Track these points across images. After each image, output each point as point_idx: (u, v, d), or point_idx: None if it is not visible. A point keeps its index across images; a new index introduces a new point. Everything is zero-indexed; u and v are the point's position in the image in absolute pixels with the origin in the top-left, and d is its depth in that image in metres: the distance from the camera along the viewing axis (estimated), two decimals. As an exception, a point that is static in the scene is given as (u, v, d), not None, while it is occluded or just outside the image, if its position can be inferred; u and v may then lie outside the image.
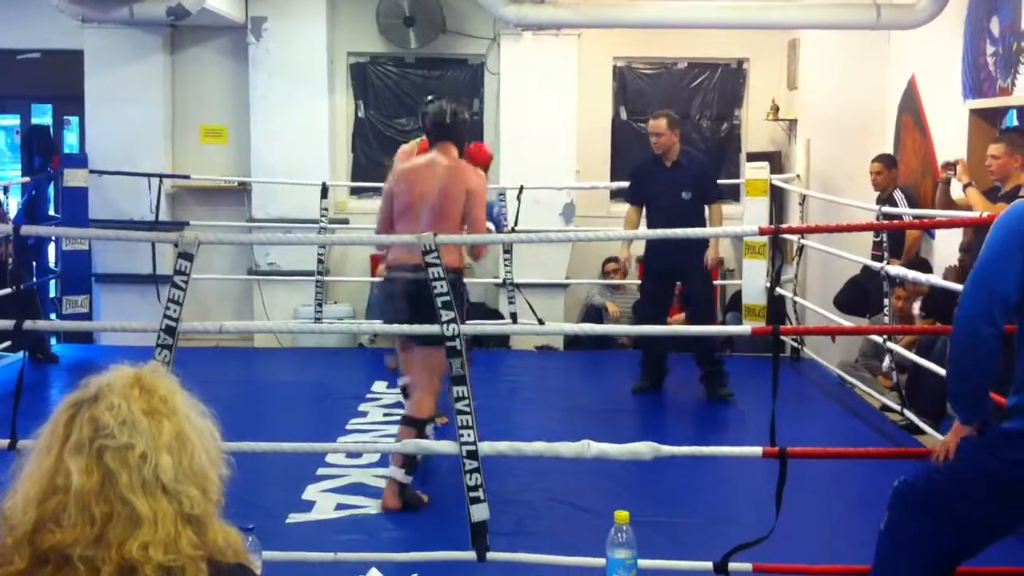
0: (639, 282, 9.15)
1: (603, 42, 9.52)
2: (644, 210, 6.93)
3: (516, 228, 7.95)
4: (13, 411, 3.74)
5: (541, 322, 7.24)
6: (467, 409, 3.70)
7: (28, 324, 4.14)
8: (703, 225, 6.62)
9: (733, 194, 9.18)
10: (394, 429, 5.94)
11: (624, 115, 9.94)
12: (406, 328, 4.35)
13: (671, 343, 6.85)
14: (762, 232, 3.91)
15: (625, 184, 8.78)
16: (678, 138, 6.78)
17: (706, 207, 6.78)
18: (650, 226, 6.86)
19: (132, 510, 1.58)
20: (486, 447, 3.78)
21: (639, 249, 7.28)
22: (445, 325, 3.67)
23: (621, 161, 9.79)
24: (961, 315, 2.86)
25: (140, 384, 1.68)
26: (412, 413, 4.68)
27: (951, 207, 6.00)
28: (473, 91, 9.62)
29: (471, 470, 3.71)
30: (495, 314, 8.74)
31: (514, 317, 7.94)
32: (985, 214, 4.31)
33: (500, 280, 8.25)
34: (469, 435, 3.71)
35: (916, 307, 6.52)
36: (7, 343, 7.14)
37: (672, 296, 7.16)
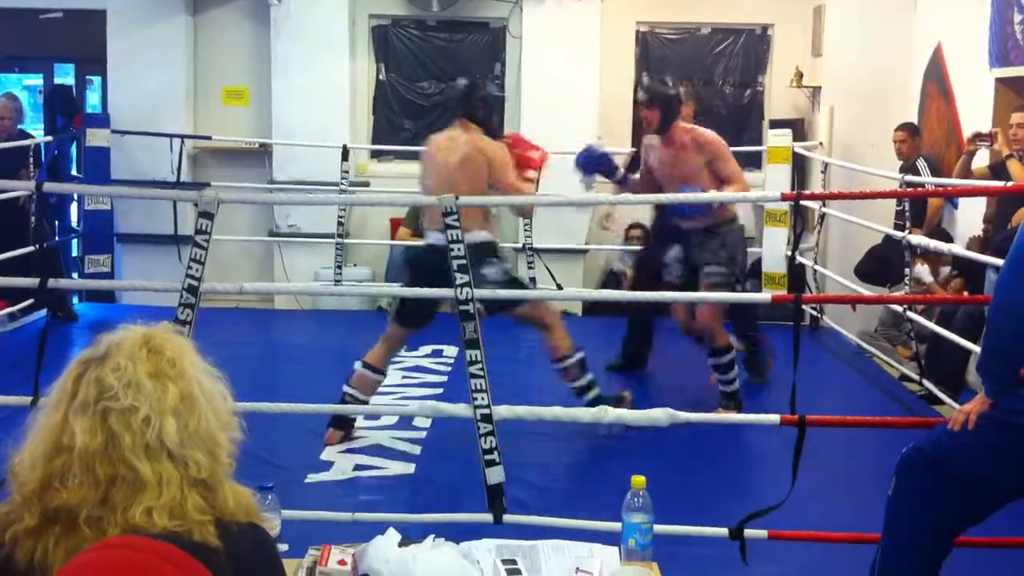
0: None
1: (626, 7, 9.44)
2: None
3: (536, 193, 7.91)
4: (36, 368, 3.77)
5: (559, 287, 7.24)
6: (480, 373, 3.71)
7: (52, 282, 4.15)
8: None
9: (755, 161, 9.13)
10: (411, 392, 6.01)
11: (647, 81, 9.85)
12: (420, 292, 4.37)
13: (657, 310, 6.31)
14: (784, 198, 3.90)
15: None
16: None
17: None
18: None
19: (136, 474, 1.56)
20: (504, 411, 3.78)
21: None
22: (459, 288, 3.67)
23: (643, 129, 9.70)
24: (998, 305, 2.82)
25: (149, 345, 1.65)
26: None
27: (968, 178, 5.97)
28: (494, 55, 9.57)
29: (485, 433, 3.72)
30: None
31: (533, 281, 7.95)
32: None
33: (519, 245, 8.25)
34: (483, 398, 3.72)
35: (921, 272, 6.43)
36: (29, 301, 7.21)
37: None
